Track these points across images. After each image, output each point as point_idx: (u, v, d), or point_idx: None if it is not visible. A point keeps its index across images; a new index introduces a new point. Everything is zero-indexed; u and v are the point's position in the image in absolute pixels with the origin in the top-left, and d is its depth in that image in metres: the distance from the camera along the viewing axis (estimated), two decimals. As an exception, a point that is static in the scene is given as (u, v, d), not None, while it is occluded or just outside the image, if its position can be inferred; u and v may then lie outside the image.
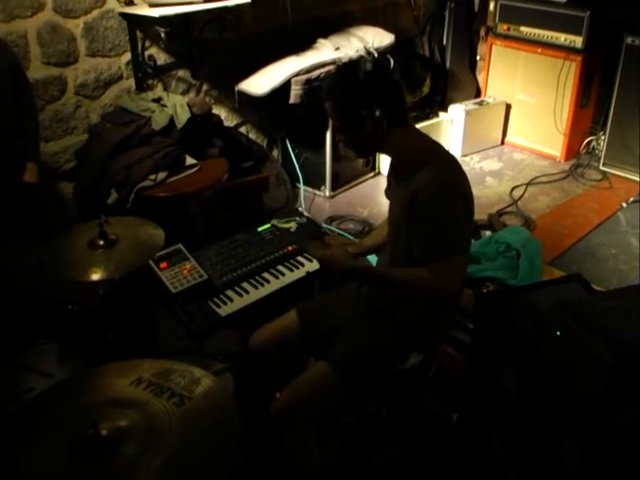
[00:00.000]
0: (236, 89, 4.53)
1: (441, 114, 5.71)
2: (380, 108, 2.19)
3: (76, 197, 4.05)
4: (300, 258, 3.06)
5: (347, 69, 2.34)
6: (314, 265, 3.01)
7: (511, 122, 6.00)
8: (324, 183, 4.96)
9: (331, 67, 4.59)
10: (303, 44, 4.78)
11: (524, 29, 5.60)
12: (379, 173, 5.23)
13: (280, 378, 2.69)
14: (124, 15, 4.03)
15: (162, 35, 4.09)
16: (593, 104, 5.65)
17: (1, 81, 3.18)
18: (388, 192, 2.54)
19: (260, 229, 3.22)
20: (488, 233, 4.33)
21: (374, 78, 2.21)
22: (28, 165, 3.36)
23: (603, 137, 5.47)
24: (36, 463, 1.45)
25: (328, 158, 4.83)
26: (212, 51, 4.57)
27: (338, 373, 2.31)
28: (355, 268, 2.43)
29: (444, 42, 6.09)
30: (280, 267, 3.00)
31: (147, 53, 4.24)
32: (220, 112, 4.75)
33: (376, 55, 4.87)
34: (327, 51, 4.75)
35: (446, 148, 2.41)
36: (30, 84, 3.44)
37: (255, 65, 4.56)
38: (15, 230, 3.17)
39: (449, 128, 5.69)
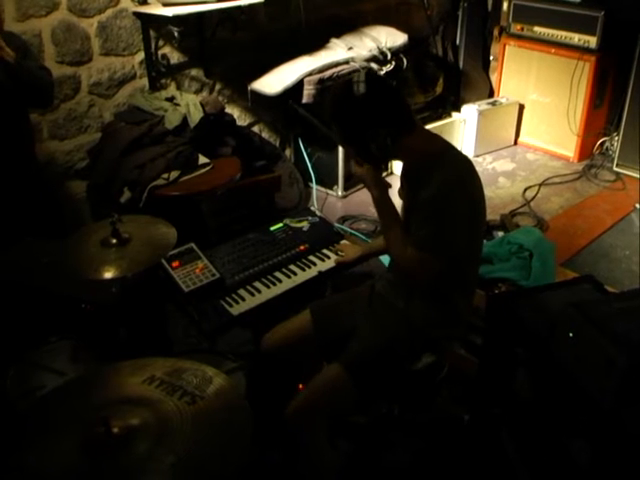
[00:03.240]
0: (249, 88, 4.54)
1: (454, 114, 5.70)
2: (382, 127, 2.22)
3: (89, 196, 4.06)
4: (312, 257, 3.06)
5: (341, 95, 2.33)
6: (326, 264, 3.01)
7: (524, 122, 5.97)
8: (336, 182, 4.95)
9: (344, 67, 4.59)
10: (316, 44, 4.78)
11: (538, 29, 5.58)
12: (392, 173, 5.21)
13: (292, 378, 2.69)
14: (138, 14, 4.05)
15: (175, 34, 4.10)
16: (607, 105, 5.62)
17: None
18: (401, 192, 2.55)
19: (272, 228, 3.22)
20: (501, 234, 4.32)
21: (369, 99, 2.21)
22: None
23: (617, 138, 5.44)
24: (47, 460, 1.46)
25: (340, 158, 4.83)
26: (225, 50, 4.58)
27: (350, 375, 2.31)
28: (383, 196, 2.42)
29: (457, 42, 6.07)
30: (292, 266, 3.00)
31: (160, 52, 4.26)
32: (233, 111, 4.76)
33: (389, 55, 4.87)
34: (340, 51, 4.75)
35: (458, 148, 2.41)
36: (45, 66, 3.37)
37: (268, 64, 4.56)
38: (29, 228, 3.18)
39: (462, 128, 5.68)
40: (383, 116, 2.23)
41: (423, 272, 2.24)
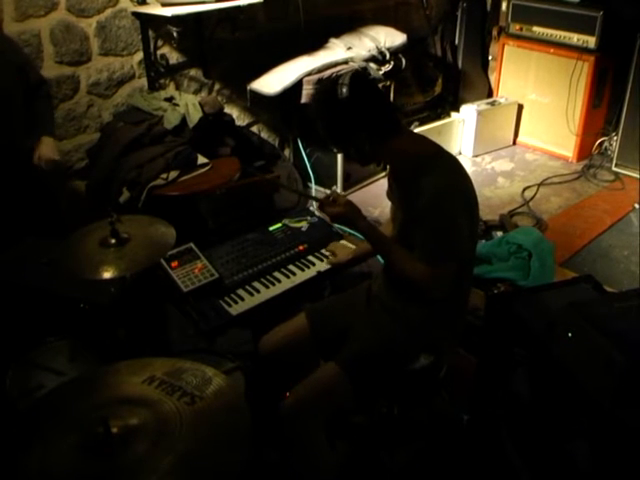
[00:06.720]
0: (248, 88, 4.53)
1: (453, 114, 5.69)
2: (362, 131, 2.22)
3: (88, 195, 4.06)
4: (311, 258, 3.06)
5: (325, 96, 2.33)
6: (325, 265, 3.01)
7: (523, 122, 5.97)
8: (335, 183, 4.95)
9: (343, 67, 4.59)
10: (315, 44, 4.78)
11: (536, 29, 5.58)
12: (390, 173, 5.22)
13: (290, 378, 2.69)
14: (137, 14, 4.05)
15: (174, 34, 4.10)
16: (606, 104, 5.62)
17: (12, 77, 3.18)
18: (390, 194, 2.55)
19: (271, 228, 3.22)
20: (499, 234, 4.31)
21: (352, 102, 2.21)
22: (43, 139, 3.31)
23: (616, 138, 5.44)
24: (47, 460, 1.45)
25: (339, 158, 4.82)
26: (224, 50, 4.58)
27: (347, 374, 2.31)
28: (369, 226, 2.40)
29: (456, 42, 6.07)
30: (291, 266, 3.01)
31: (159, 52, 4.25)
32: (232, 111, 4.76)
33: (388, 55, 4.87)
34: (339, 51, 4.75)
35: (454, 149, 2.41)
36: (44, 79, 3.45)
37: (267, 64, 4.56)
38: (28, 228, 3.19)
39: (461, 128, 5.67)
40: (362, 120, 2.23)
41: (439, 285, 2.23)
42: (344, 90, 2.19)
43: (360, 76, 2.38)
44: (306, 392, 2.35)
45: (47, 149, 3.29)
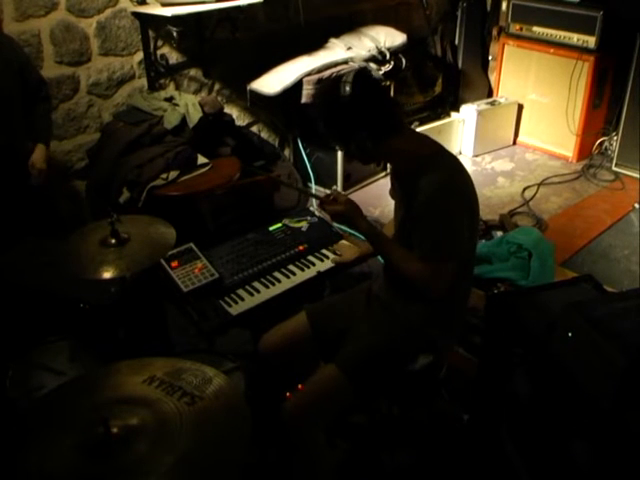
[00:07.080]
0: (248, 88, 4.54)
1: (453, 114, 5.69)
2: (363, 130, 2.22)
3: (88, 196, 4.06)
4: (311, 258, 3.06)
5: (327, 93, 2.34)
6: (325, 265, 3.01)
7: (523, 122, 5.97)
8: (336, 183, 4.94)
9: (343, 67, 4.59)
10: (315, 44, 4.78)
11: (536, 29, 5.58)
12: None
13: (291, 378, 2.69)
14: (137, 14, 4.05)
15: (174, 34, 4.10)
16: (606, 104, 5.62)
17: (12, 77, 3.19)
18: (393, 192, 2.55)
19: (271, 228, 3.22)
20: (499, 233, 4.32)
21: (354, 100, 2.21)
22: (37, 146, 3.36)
23: (616, 138, 5.44)
24: (47, 460, 1.45)
25: (340, 158, 4.83)
26: (224, 50, 4.58)
27: (347, 376, 2.31)
28: (369, 225, 2.40)
29: (456, 42, 6.07)
30: (291, 266, 3.00)
31: (159, 52, 4.26)
32: (232, 111, 4.76)
33: (388, 55, 4.87)
34: (339, 51, 4.75)
35: (453, 148, 2.41)
36: (44, 79, 3.47)
37: (267, 64, 4.56)
38: (29, 228, 3.19)
39: (461, 128, 5.67)
40: (364, 118, 2.22)
41: (438, 282, 2.22)
42: (347, 88, 2.20)
43: (363, 74, 2.38)
44: (307, 395, 2.35)
45: (37, 158, 3.34)
